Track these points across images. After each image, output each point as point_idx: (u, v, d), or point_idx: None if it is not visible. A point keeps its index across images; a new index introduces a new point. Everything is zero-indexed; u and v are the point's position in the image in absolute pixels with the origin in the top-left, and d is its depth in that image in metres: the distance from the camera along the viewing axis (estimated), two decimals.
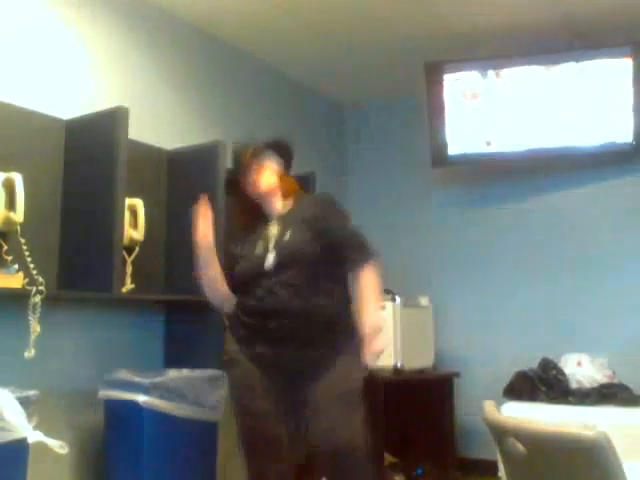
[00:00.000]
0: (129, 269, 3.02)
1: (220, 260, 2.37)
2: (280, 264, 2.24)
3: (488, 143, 4.15)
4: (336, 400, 2.19)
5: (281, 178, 2.41)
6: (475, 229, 4.49)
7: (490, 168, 4.42)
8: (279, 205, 2.39)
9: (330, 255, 2.27)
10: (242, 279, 2.33)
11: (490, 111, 4.14)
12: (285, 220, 2.34)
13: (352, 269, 2.30)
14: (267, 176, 2.37)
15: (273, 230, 2.33)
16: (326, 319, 2.25)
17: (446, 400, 4.03)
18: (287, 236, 2.28)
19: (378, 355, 2.16)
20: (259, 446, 2.28)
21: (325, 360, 2.22)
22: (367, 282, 2.27)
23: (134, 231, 3.02)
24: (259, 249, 2.31)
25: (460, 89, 4.16)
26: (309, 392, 2.22)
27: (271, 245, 2.28)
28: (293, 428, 2.28)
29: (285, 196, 2.41)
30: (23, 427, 2.15)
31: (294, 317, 2.20)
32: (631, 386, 3.55)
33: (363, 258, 2.29)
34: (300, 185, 2.53)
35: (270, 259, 2.25)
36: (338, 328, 2.27)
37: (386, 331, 2.51)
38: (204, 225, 2.31)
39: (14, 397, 2.17)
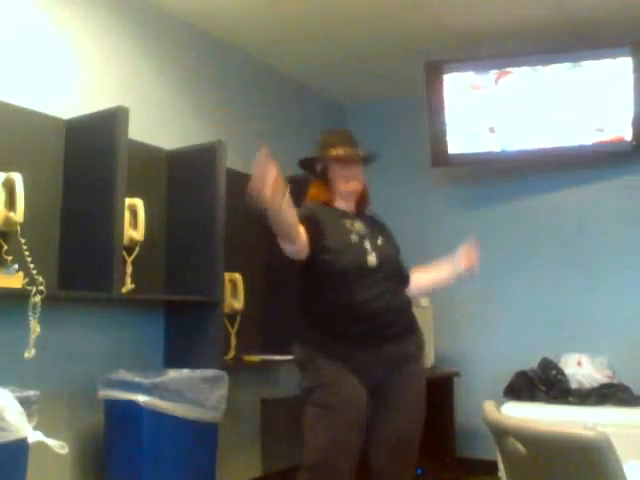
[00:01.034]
0: (129, 269, 3.02)
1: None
2: (380, 266, 2.35)
3: (492, 130, 4.14)
4: (424, 392, 2.46)
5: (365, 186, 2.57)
6: (474, 229, 4.47)
7: (490, 168, 4.42)
8: (352, 206, 2.51)
9: None
10: (344, 275, 2.30)
11: (490, 109, 4.15)
12: (367, 223, 2.46)
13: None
14: (363, 180, 2.52)
15: (358, 226, 2.42)
16: (412, 316, 2.46)
17: (446, 400, 4.03)
18: (380, 241, 2.42)
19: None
20: (346, 462, 2.24)
21: (415, 354, 2.45)
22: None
23: (134, 231, 3.02)
24: (354, 240, 2.36)
25: (460, 84, 4.16)
26: (399, 387, 2.33)
27: (367, 242, 2.37)
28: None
29: (358, 202, 2.54)
30: (23, 427, 2.16)
31: (398, 315, 2.36)
32: (631, 386, 3.55)
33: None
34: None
35: (373, 258, 2.34)
36: (417, 325, 2.49)
37: None
38: (271, 171, 1.89)
39: (14, 397, 2.17)
